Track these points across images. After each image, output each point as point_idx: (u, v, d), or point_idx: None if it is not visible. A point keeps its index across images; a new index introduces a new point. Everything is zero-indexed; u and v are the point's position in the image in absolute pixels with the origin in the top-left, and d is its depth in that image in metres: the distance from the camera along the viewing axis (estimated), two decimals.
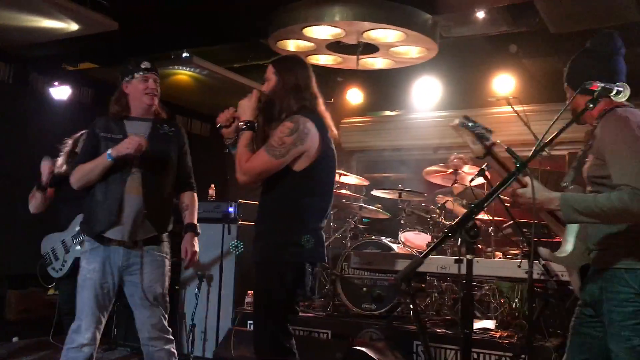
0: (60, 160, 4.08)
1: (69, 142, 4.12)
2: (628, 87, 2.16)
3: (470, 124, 2.21)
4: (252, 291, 5.51)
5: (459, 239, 1.89)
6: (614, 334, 2.27)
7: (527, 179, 2.30)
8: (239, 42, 6.25)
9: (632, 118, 2.21)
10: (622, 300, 2.23)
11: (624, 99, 2.18)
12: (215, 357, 5.12)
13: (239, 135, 2.86)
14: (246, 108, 2.88)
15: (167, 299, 3.42)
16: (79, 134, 4.09)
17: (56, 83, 6.48)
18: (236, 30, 5.72)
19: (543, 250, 2.55)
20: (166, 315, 3.39)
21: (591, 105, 2.11)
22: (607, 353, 2.29)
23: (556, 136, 2.11)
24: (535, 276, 3.21)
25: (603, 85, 2.12)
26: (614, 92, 2.13)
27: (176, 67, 6.37)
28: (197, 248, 3.49)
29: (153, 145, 3.24)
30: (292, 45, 5.33)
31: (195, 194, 3.60)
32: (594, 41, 2.47)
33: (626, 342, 2.22)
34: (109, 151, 3.17)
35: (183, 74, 6.55)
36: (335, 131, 2.94)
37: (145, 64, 3.32)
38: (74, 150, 4.03)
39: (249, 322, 5.36)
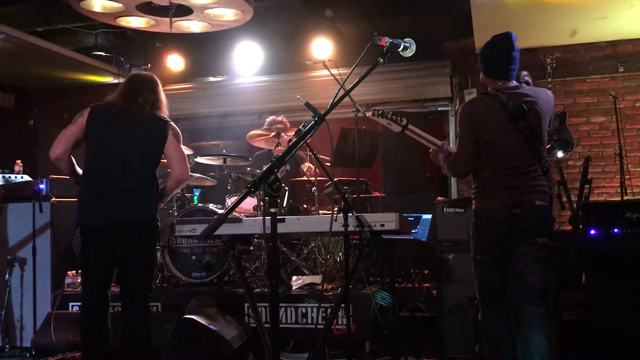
0: None
1: None
2: (413, 42, 2.32)
3: (382, 113, 3.30)
4: (72, 271, 5.25)
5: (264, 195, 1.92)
6: None
7: (442, 142, 3.32)
8: (37, 3, 5.70)
9: (462, 112, 3.18)
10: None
11: (411, 54, 2.35)
12: (34, 345, 4.76)
13: None
14: None
15: None
16: None
17: None
18: None
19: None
20: None
21: (381, 60, 2.24)
22: None
23: (352, 88, 2.22)
24: (351, 229, 3.36)
25: (391, 40, 2.28)
26: (401, 47, 2.30)
27: None
28: None
29: None
30: (97, 5, 4.94)
31: None
32: (498, 37, 3.23)
33: None
34: None
35: None
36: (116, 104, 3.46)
37: None
38: None
39: (70, 304, 5.06)
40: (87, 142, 3.43)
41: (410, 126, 3.35)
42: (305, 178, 5.73)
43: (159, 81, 3.67)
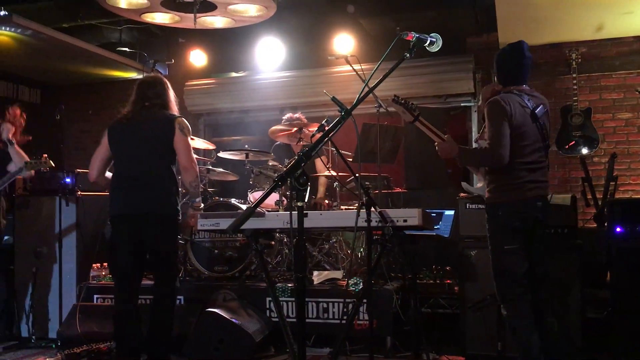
0: None
1: None
2: (440, 37, 2.31)
3: (399, 100, 3.38)
4: (97, 264, 5.33)
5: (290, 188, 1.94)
6: (489, 250, 3.40)
7: (446, 136, 3.43)
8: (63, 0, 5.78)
9: (497, 103, 3.28)
10: (488, 224, 3.42)
11: (437, 49, 2.35)
12: (59, 336, 4.85)
13: None
14: None
15: None
16: None
17: None
18: None
19: (464, 184, 4.19)
20: None
21: (407, 55, 2.24)
22: None
23: (378, 84, 2.22)
24: (373, 224, 3.35)
25: (418, 35, 2.27)
26: (428, 42, 2.29)
27: None
28: None
29: None
30: (123, 1, 5.01)
31: None
32: (512, 45, 3.47)
33: (490, 253, 3.39)
34: None
35: (3, 35, 5.91)
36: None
37: None
38: None
39: (95, 296, 5.14)
40: (112, 155, 3.91)
41: (420, 118, 3.49)
42: (326, 173, 5.75)
43: (165, 81, 3.98)
